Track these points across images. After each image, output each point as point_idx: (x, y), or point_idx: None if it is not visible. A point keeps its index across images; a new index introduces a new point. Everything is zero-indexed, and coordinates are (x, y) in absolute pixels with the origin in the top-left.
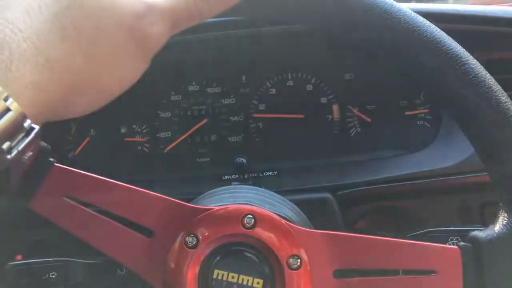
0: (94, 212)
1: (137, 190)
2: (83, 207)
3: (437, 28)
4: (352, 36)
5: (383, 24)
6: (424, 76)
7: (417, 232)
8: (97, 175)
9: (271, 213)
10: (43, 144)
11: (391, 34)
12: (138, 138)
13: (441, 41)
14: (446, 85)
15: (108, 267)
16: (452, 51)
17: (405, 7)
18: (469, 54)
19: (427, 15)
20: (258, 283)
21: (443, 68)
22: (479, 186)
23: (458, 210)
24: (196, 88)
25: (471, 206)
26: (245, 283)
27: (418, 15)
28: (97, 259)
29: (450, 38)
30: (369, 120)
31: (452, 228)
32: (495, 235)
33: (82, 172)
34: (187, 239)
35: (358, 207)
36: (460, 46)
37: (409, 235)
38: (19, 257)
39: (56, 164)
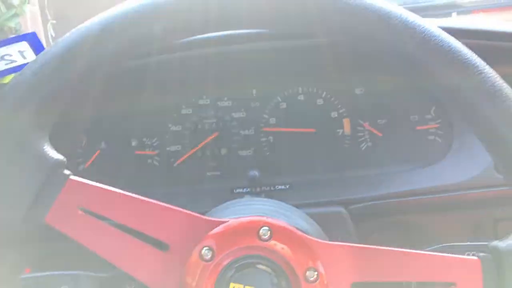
0: (109, 226)
1: (153, 203)
2: (98, 220)
3: (450, 36)
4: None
5: (394, 32)
6: (436, 85)
7: (433, 247)
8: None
9: (287, 225)
10: (58, 156)
11: (404, 43)
12: (148, 152)
13: (456, 50)
14: (461, 95)
15: (118, 281)
16: (468, 61)
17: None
18: (484, 63)
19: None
20: None
21: (457, 79)
22: (492, 201)
23: (471, 225)
24: (206, 101)
25: (484, 222)
26: None
27: (433, 25)
28: (107, 272)
29: (465, 46)
30: (380, 134)
31: (468, 243)
32: None
33: (98, 185)
34: (202, 252)
35: (371, 221)
36: (477, 56)
37: (424, 250)
38: (27, 270)
39: (71, 177)
